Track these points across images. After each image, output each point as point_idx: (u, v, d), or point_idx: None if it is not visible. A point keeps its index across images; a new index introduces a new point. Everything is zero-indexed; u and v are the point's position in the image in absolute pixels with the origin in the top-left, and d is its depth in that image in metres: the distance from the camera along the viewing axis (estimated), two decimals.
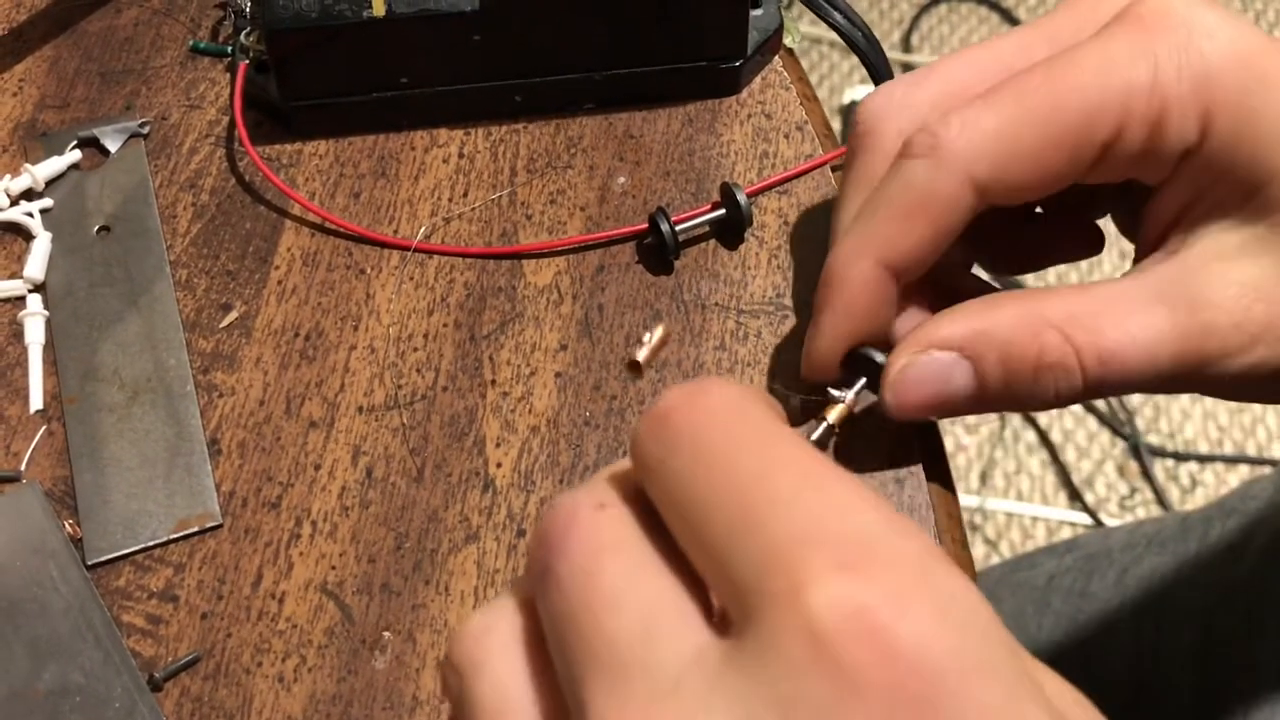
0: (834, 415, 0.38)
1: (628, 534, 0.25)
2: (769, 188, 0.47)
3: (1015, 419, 1.45)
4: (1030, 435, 1.44)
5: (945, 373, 0.36)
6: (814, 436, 0.38)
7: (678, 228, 0.45)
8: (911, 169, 0.36)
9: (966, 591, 0.23)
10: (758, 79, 0.50)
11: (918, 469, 0.41)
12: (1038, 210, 0.43)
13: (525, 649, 0.26)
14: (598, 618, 0.24)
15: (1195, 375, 0.36)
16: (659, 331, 0.42)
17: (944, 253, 0.37)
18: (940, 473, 0.42)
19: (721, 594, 0.24)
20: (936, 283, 0.39)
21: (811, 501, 0.23)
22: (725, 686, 0.22)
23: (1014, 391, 0.36)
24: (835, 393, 0.39)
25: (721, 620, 0.24)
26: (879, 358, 0.38)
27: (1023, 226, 0.41)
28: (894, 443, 0.42)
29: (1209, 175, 0.35)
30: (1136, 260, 0.39)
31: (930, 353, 0.36)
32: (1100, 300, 0.36)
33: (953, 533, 0.40)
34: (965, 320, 0.36)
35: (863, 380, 0.38)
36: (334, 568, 0.40)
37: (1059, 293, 0.36)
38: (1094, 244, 0.42)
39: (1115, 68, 0.35)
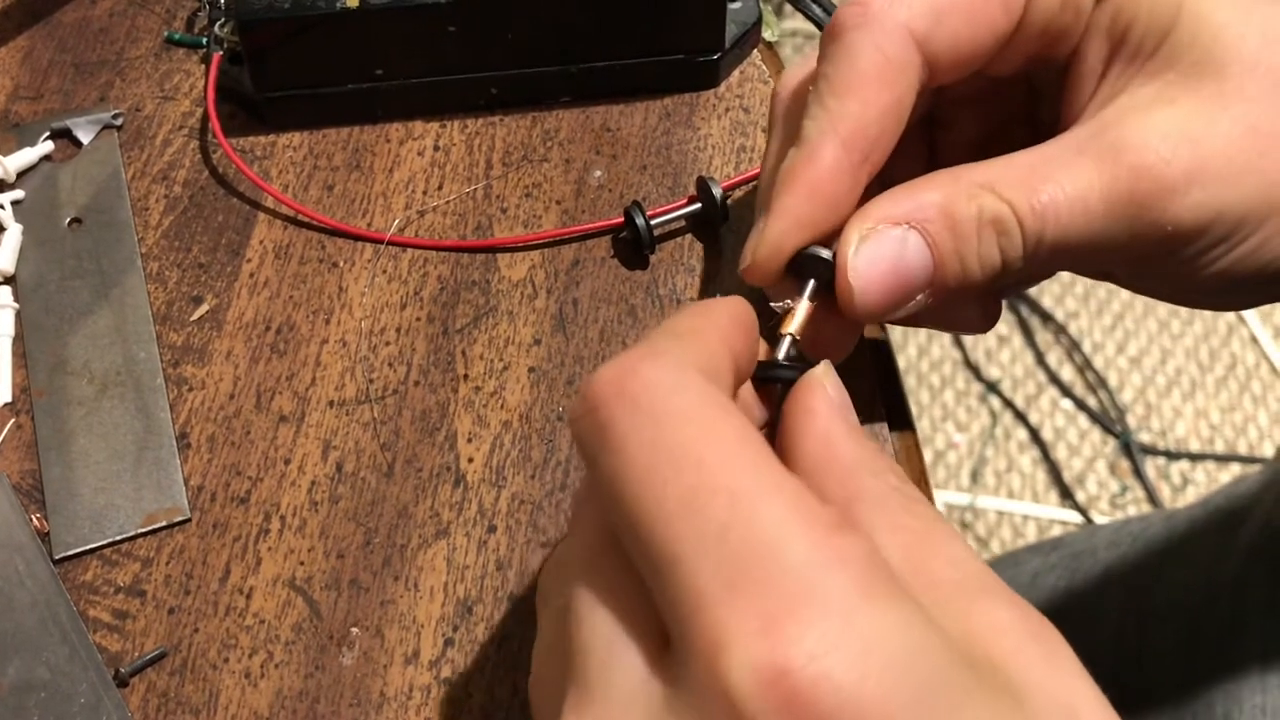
0: (795, 324, 0.34)
1: (605, 540, 0.27)
2: (746, 182, 0.47)
3: (1006, 416, 1.45)
4: (1021, 433, 1.44)
5: (898, 247, 0.34)
6: (781, 355, 0.34)
7: (653, 222, 0.45)
8: (850, 41, 0.35)
9: (894, 629, 0.23)
10: (736, 72, 0.50)
11: (881, 427, 0.41)
12: None
13: None
14: (576, 628, 0.26)
15: (1136, 227, 0.34)
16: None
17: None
18: (904, 423, 0.42)
19: (660, 613, 0.25)
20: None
21: (737, 539, 0.23)
22: None
23: (965, 260, 0.34)
24: (780, 305, 0.35)
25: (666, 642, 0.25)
26: (826, 254, 0.35)
27: None
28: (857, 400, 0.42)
29: (1117, 27, 0.35)
30: None
31: (878, 229, 0.34)
32: (1025, 164, 0.35)
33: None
34: (903, 195, 0.35)
35: (812, 282, 0.35)
36: (302, 563, 0.40)
37: (985, 162, 0.35)
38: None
39: None
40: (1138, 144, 0.34)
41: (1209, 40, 0.34)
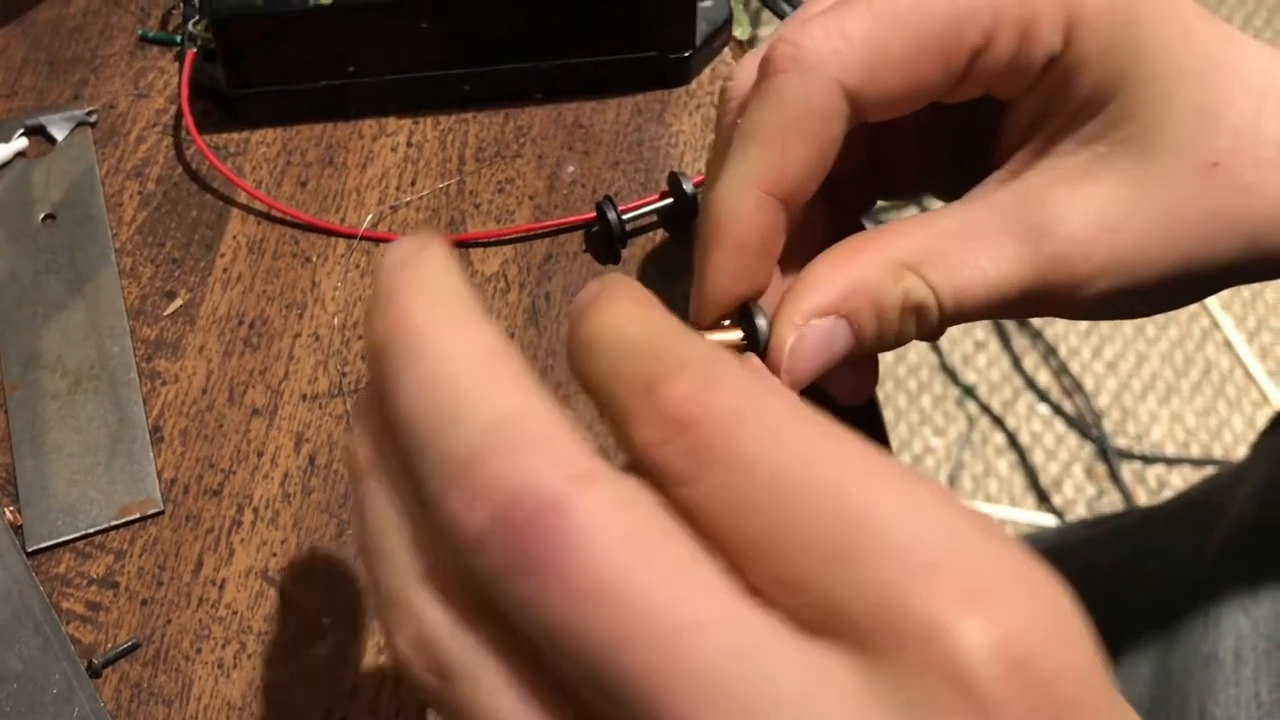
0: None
1: (649, 520, 0.21)
2: None
3: (983, 421, 1.45)
4: (998, 437, 1.45)
5: (828, 339, 0.35)
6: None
7: (625, 217, 0.45)
8: (779, 85, 0.34)
9: (1063, 598, 0.22)
10: (707, 70, 0.50)
11: None
12: None
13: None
14: (675, 649, 0.20)
15: (1045, 304, 0.36)
16: None
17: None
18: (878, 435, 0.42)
19: (804, 611, 0.21)
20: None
21: (908, 521, 0.21)
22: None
23: (883, 338, 0.35)
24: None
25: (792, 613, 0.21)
26: (761, 323, 0.35)
27: None
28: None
29: (1063, 90, 0.35)
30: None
31: (810, 324, 0.35)
32: (949, 236, 0.35)
33: None
34: (834, 280, 0.35)
35: (740, 333, 0.36)
36: (275, 554, 0.40)
37: (909, 230, 0.35)
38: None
39: None
40: (1060, 232, 0.34)
41: (1149, 116, 0.34)
